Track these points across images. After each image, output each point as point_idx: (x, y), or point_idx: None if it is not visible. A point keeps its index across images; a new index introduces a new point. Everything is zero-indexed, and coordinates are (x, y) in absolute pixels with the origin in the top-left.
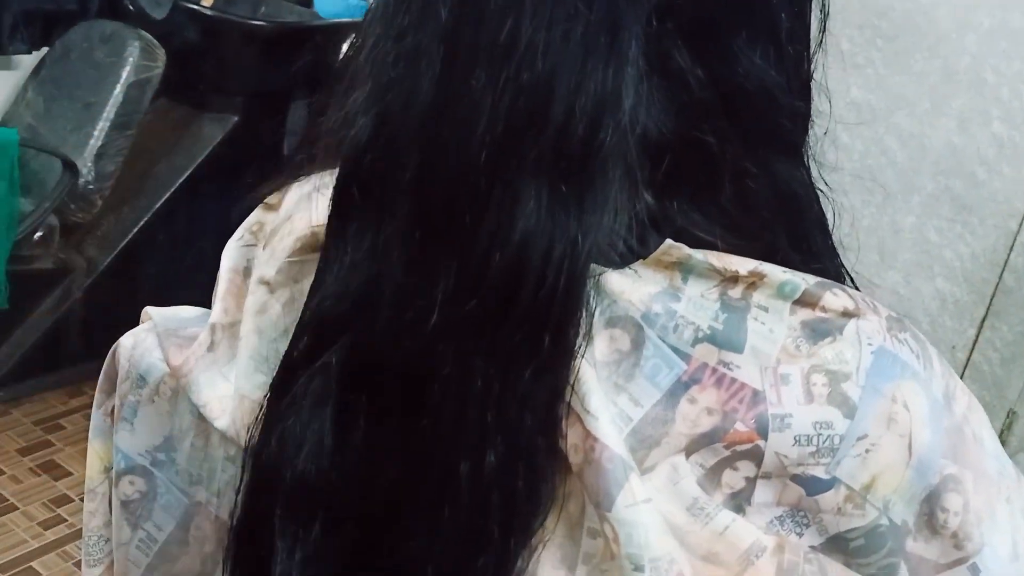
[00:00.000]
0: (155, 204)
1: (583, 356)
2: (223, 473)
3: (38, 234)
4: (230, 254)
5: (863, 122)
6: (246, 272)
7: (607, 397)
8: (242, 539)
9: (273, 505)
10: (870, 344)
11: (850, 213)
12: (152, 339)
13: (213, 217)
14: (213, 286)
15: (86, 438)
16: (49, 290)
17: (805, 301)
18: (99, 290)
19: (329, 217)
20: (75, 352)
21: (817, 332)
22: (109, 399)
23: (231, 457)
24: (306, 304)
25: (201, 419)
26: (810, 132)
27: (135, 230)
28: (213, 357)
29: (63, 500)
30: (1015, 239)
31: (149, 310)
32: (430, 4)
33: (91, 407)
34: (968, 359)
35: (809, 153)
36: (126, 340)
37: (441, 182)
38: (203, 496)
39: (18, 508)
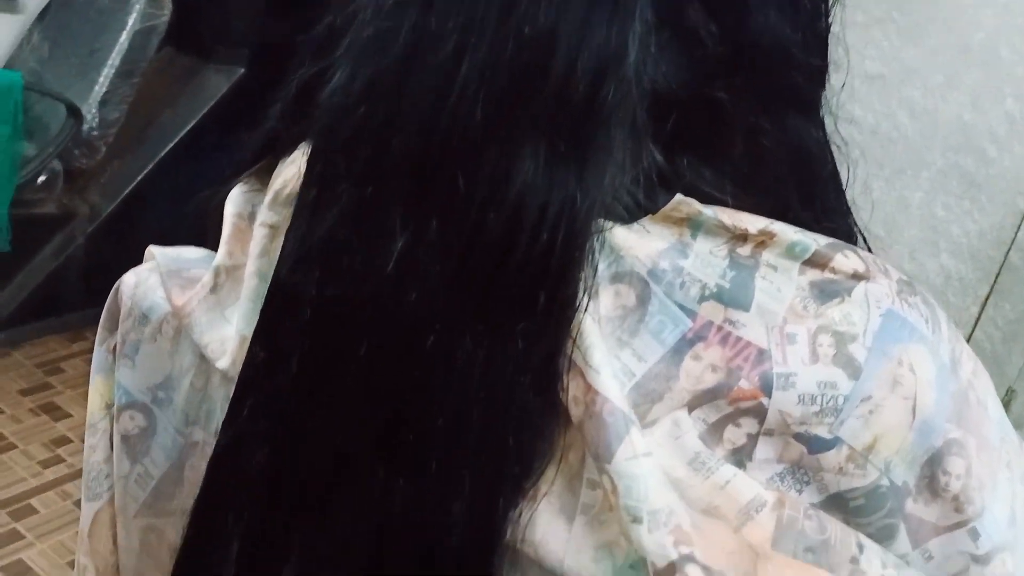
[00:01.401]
0: (159, 153)
1: (586, 311)
2: (221, 414)
3: (41, 178)
4: (235, 199)
5: (875, 94)
6: (251, 217)
7: (610, 352)
8: (220, 467)
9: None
10: (879, 307)
11: (860, 183)
12: (155, 278)
13: (217, 168)
14: (215, 236)
15: (86, 382)
16: (52, 235)
17: (815, 262)
18: (101, 237)
19: (304, 174)
20: (77, 298)
21: (825, 293)
22: (111, 336)
23: (231, 398)
24: (279, 260)
25: (202, 359)
26: (827, 86)
27: (138, 179)
28: (216, 299)
29: (63, 441)
30: (1023, 218)
31: (152, 249)
32: None
33: (92, 352)
34: (970, 336)
35: (825, 107)
36: (128, 278)
37: (427, 139)
38: (200, 436)
39: (17, 447)
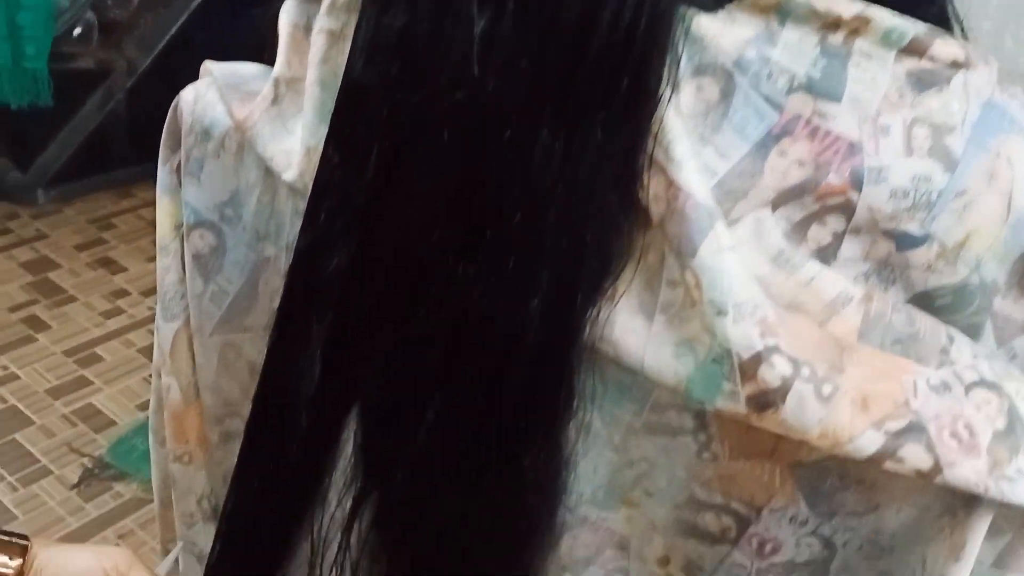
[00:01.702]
0: (191, 5)
1: (669, 103)
2: (291, 228)
3: (77, 31)
4: (289, 10)
5: None
6: (307, 28)
7: (692, 149)
8: (299, 274)
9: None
10: (979, 96)
11: None
12: (214, 93)
13: (250, 22)
14: (271, 57)
15: (139, 236)
16: (91, 90)
17: (912, 49)
18: (141, 92)
19: None
20: (122, 154)
21: (923, 82)
22: (174, 155)
23: (299, 211)
24: (349, 58)
25: (267, 173)
26: None
27: (172, 31)
28: (278, 110)
29: (121, 293)
30: None
31: (208, 64)
32: None
33: (141, 208)
34: None
35: None
36: (187, 94)
37: None
38: (271, 251)
39: (78, 299)
